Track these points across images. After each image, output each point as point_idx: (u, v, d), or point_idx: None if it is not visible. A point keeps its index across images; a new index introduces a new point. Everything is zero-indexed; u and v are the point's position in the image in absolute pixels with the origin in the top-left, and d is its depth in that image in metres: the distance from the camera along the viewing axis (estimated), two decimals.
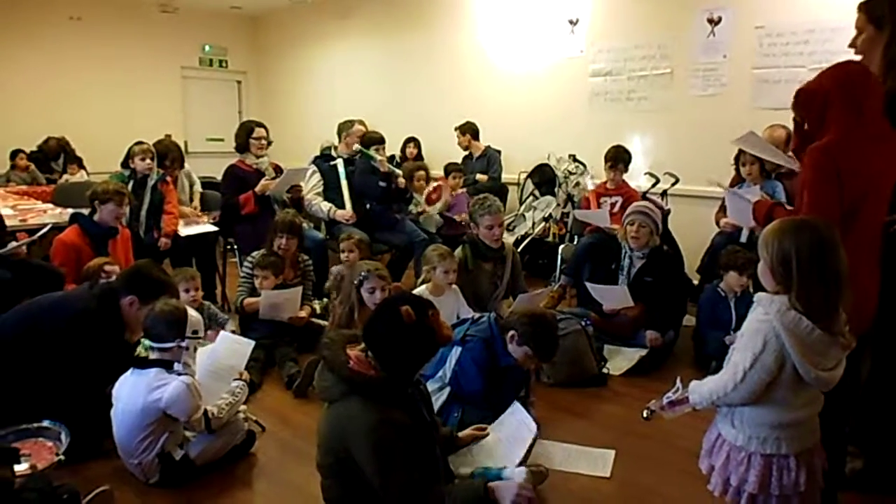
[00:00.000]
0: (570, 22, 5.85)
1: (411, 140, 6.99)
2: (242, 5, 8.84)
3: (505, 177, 6.14)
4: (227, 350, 2.90)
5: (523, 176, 5.89)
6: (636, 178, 4.99)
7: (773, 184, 3.96)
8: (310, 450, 2.10)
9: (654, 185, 4.78)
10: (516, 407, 2.43)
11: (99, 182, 4.06)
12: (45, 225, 3.85)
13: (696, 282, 4.31)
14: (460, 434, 2.40)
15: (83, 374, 2.56)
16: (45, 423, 2.39)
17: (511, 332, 2.58)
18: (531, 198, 5.71)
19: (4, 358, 2.54)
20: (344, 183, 4.69)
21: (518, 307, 3.31)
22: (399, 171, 4.83)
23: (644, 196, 4.52)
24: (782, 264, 1.67)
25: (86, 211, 3.84)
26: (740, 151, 4.02)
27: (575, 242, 4.97)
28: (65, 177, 7.13)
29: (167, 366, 2.43)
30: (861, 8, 2.25)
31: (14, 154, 7.10)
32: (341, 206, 4.66)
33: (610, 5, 5.62)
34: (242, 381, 2.73)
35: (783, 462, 1.73)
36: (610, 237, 4.15)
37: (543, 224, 5.45)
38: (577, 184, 5.31)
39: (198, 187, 5.39)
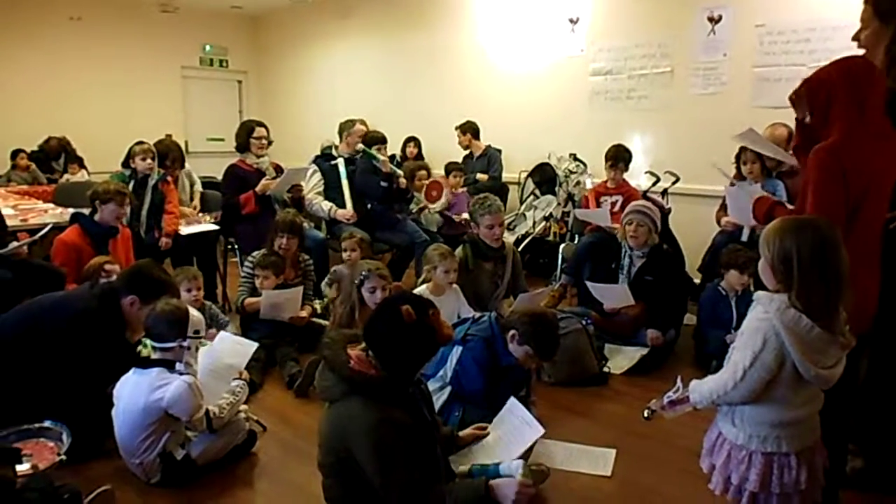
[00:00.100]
0: (571, 21, 5.85)
1: (412, 139, 6.98)
2: (243, 5, 8.83)
3: (505, 176, 6.13)
4: (228, 349, 2.90)
5: (524, 175, 5.89)
6: (637, 176, 4.99)
7: (774, 182, 3.95)
8: (311, 449, 2.11)
9: (654, 184, 4.77)
10: (514, 404, 2.42)
11: (100, 182, 4.06)
12: (45, 225, 3.85)
13: (697, 280, 4.30)
14: (461, 433, 2.40)
15: (84, 374, 2.57)
16: (47, 424, 2.40)
17: (512, 332, 2.58)
18: (532, 197, 5.71)
19: (5, 358, 2.54)
20: (345, 182, 4.70)
21: (519, 306, 3.31)
22: (400, 172, 4.83)
23: (644, 195, 4.51)
24: (783, 263, 1.67)
25: (86, 211, 3.84)
26: (741, 150, 4.01)
27: (575, 242, 4.97)
28: (66, 176, 7.14)
29: (169, 365, 2.43)
30: (868, 0, 2.21)
31: (15, 154, 7.11)
32: (342, 205, 4.66)
33: (610, 4, 5.61)
34: (242, 381, 2.73)
35: (784, 460, 1.73)
36: (610, 236, 4.15)
37: (544, 223, 5.44)
38: (578, 183, 5.31)
39: (198, 187, 5.38)
